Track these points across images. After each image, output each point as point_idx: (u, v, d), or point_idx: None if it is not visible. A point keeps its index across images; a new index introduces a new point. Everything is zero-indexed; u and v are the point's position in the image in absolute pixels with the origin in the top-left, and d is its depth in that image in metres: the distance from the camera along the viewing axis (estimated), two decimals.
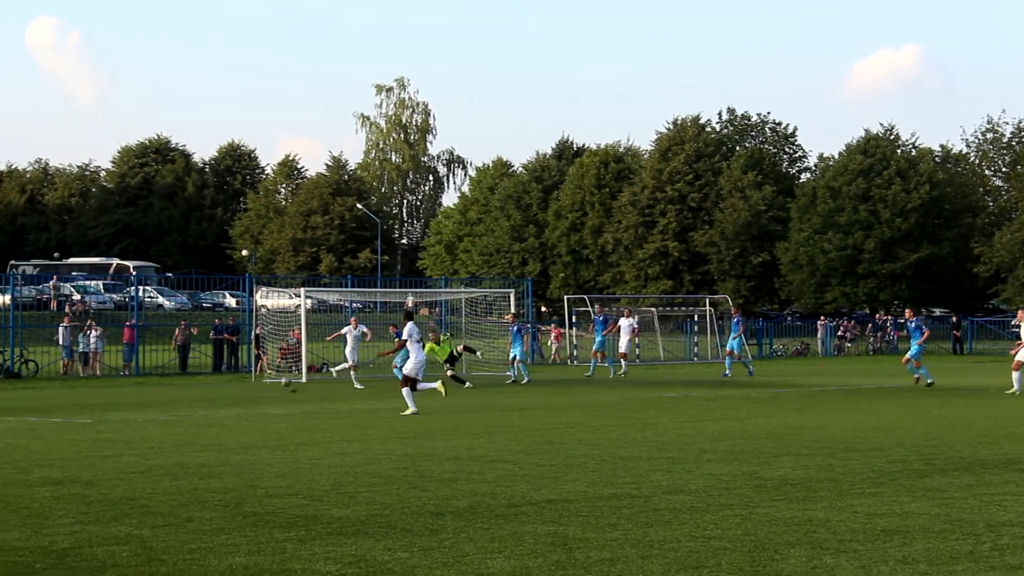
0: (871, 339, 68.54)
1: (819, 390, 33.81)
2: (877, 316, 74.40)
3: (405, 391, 25.19)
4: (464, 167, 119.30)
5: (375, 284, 72.66)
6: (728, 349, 42.66)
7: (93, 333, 45.29)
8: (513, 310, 43.70)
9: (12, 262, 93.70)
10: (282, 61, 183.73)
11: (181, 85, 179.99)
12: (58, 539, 11.00)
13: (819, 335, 66.85)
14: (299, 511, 12.45)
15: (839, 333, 67.25)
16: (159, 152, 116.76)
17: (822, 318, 69.17)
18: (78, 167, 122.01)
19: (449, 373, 35.17)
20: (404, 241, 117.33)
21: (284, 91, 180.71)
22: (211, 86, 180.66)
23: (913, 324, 35.29)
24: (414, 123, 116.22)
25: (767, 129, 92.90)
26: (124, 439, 20.44)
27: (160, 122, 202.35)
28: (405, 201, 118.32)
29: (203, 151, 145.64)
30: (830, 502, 12.73)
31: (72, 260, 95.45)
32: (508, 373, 40.32)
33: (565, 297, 60.91)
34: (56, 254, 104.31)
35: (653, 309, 64.11)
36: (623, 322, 43.65)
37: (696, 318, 62.23)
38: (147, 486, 14.33)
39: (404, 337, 26.11)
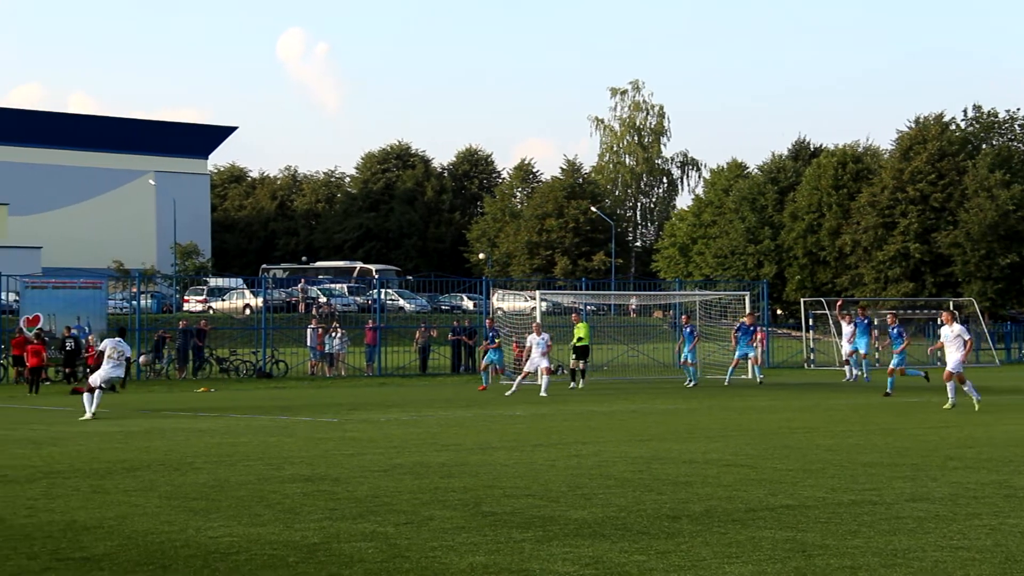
0: None
1: None
2: None
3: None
4: (698, 169, 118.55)
5: (609, 287, 72.86)
6: (853, 350, 41.25)
7: (338, 335, 46.77)
8: (748, 312, 43.30)
9: (264, 266, 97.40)
10: (518, 66, 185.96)
11: (421, 92, 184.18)
12: (308, 534, 11.44)
13: None
14: (536, 512, 12.63)
15: None
16: (400, 158, 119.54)
17: None
18: (324, 173, 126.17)
19: (572, 366, 39.27)
20: (638, 244, 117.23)
21: (520, 96, 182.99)
22: (450, 92, 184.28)
23: (895, 331, 33.75)
24: (648, 125, 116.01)
25: (1016, 126, 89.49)
26: (368, 438, 21.06)
27: (402, 128, 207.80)
28: (639, 204, 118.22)
29: (442, 156, 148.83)
30: None
31: (318, 264, 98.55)
32: (757, 376, 40.69)
33: (801, 300, 59.93)
34: (304, 258, 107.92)
35: (893, 312, 62.42)
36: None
37: (939, 321, 60.24)
38: (390, 484, 14.75)
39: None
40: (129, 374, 28.60)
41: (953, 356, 26.76)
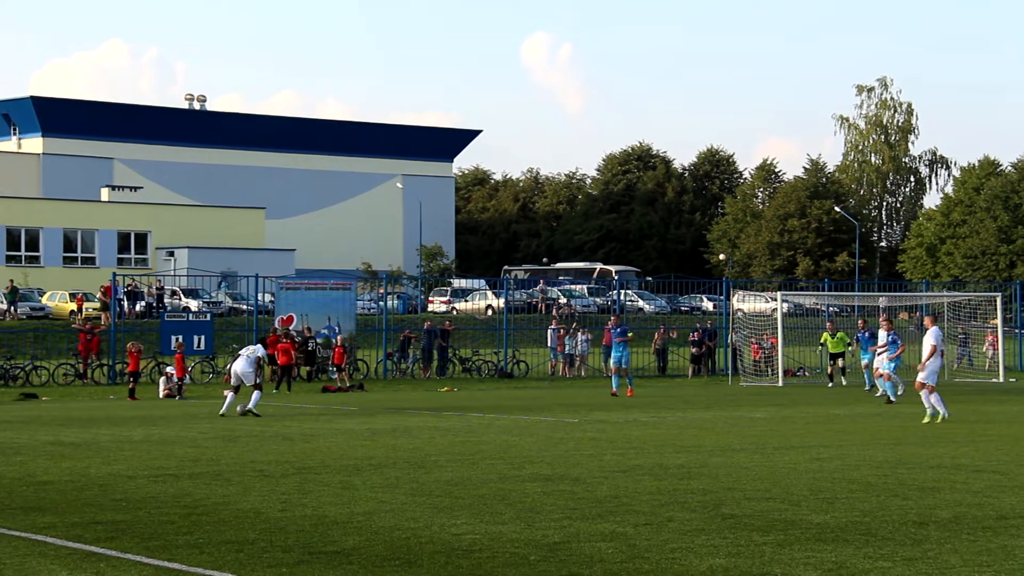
0: None
1: None
2: None
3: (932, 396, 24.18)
4: (947, 167, 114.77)
5: (852, 288, 71.26)
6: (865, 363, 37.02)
7: (581, 336, 47.13)
8: (1000, 314, 41.74)
9: (505, 267, 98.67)
10: (760, 65, 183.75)
11: (663, 93, 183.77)
12: (549, 533, 11.60)
13: None
14: (777, 515, 12.51)
15: None
16: (641, 159, 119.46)
17: None
18: (566, 175, 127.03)
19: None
20: (883, 244, 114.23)
21: (763, 94, 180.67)
22: (692, 92, 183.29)
23: (890, 338, 30.54)
24: (895, 123, 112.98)
25: None
26: (607, 438, 21.18)
27: (643, 130, 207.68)
28: (884, 203, 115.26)
29: (683, 157, 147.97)
30: None
31: (559, 265, 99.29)
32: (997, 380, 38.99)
33: None
34: (544, 259, 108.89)
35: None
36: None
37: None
38: (629, 485, 14.82)
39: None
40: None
41: (928, 364, 24.07)
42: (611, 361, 35.98)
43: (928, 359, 24.10)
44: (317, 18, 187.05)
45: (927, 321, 25.49)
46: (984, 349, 46.66)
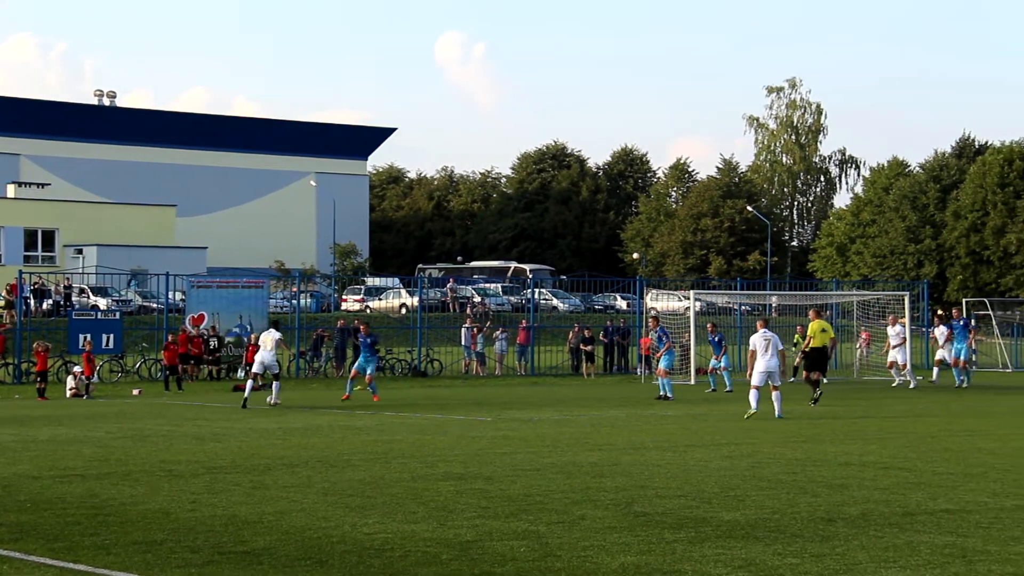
0: None
1: None
2: None
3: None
4: (857, 167, 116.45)
5: (764, 286, 72.03)
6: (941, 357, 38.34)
7: (499, 335, 47.24)
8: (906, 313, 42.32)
9: (420, 266, 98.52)
10: (673, 65, 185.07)
11: (578, 92, 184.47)
12: (461, 531, 11.58)
13: None
14: (688, 512, 12.59)
15: None
16: (555, 158, 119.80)
17: None
18: (480, 174, 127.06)
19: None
20: (794, 243, 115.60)
21: (676, 94, 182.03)
22: (606, 92, 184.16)
23: (961, 323, 32.37)
24: (805, 123, 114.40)
25: None
26: (520, 437, 21.19)
27: (557, 129, 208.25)
28: (795, 203, 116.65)
29: (597, 156, 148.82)
30: None
31: (473, 263, 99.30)
32: (902, 378, 39.21)
33: (963, 301, 58.49)
34: (459, 257, 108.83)
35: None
36: (889, 330, 39.79)
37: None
38: (542, 483, 14.84)
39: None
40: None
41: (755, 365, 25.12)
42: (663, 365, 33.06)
43: (751, 359, 25.42)
44: (229, 14, 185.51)
45: (759, 323, 26.05)
46: (857, 346, 47.07)
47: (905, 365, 38.90)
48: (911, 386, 37.79)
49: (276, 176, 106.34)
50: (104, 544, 11.05)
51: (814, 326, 29.43)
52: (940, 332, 39.46)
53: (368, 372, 31.19)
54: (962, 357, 37.71)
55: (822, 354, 29.33)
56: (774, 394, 25.29)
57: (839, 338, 50.81)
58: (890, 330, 39.70)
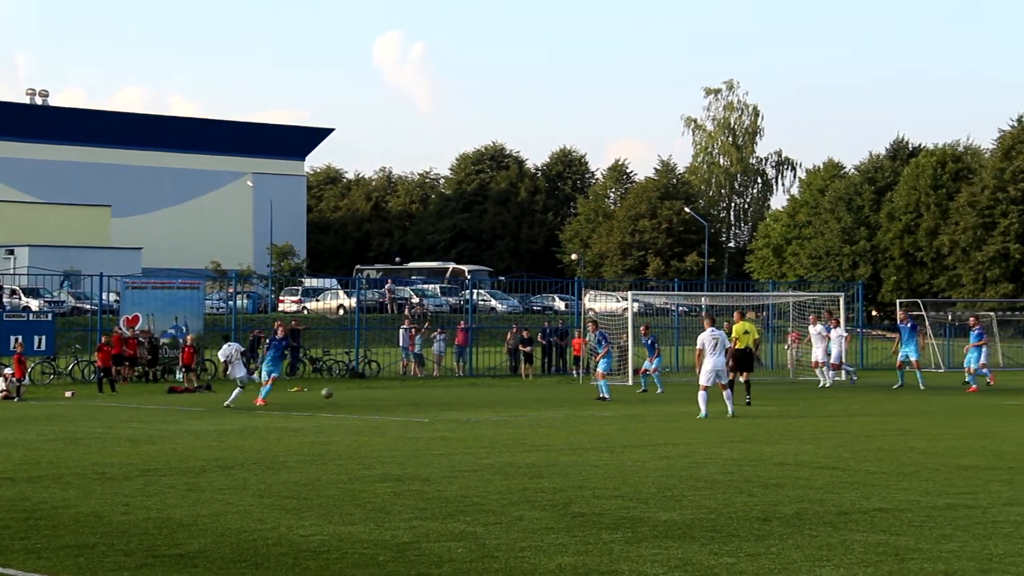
0: None
1: None
2: None
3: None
4: (793, 169, 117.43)
5: (702, 287, 72.43)
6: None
7: (437, 336, 47.17)
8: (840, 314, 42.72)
9: (357, 267, 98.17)
10: (612, 66, 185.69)
11: (516, 93, 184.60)
12: (399, 533, 11.54)
13: None
14: (626, 513, 12.62)
15: None
16: (494, 159, 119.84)
17: None
18: (419, 175, 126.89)
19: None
20: (731, 244, 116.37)
21: (614, 95, 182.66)
22: (544, 93, 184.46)
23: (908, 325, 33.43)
24: (742, 125, 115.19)
25: None
26: (458, 438, 21.16)
27: (496, 130, 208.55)
28: (733, 204, 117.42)
29: (536, 157, 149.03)
30: None
31: (412, 264, 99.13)
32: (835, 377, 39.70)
33: (897, 301, 59.14)
34: (397, 258, 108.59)
35: (992, 313, 61.46)
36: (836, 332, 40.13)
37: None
38: (480, 484, 14.82)
39: None
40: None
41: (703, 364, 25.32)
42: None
43: (699, 359, 25.42)
44: (164, 12, 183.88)
45: (705, 322, 26.26)
46: (787, 347, 47.41)
47: (828, 364, 39.32)
48: (825, 385, 38.35)
49: (212, 176, 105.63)
50: (35, 548, 10.91)
51: (737, 328, 29.91)
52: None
53: (268, 374, 30.28)
54: (912, 358, 37.69)
55: (746, 355, 29.72)
56: (725, 393, 25.51)
57: (774, 339, 51.32)
58: (811, 329, 40.19)
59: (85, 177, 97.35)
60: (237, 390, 29.61)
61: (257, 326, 48.81)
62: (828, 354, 39.39)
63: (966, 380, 37.51)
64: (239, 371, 30.52)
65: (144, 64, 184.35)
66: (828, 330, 39.61)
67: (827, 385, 38.43)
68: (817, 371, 39.81)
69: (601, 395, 32.23)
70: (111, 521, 12.28)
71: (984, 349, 37.89)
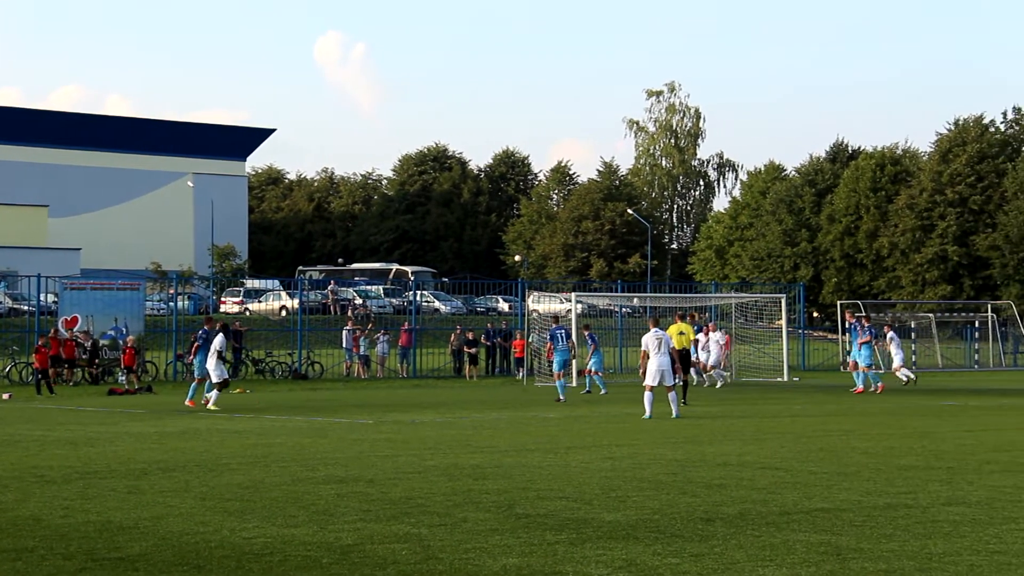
0: None
1: None
2: None
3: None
4: (735, 171, 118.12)
5: (645, 289, 72.72)
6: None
7: (381, 337, 47.07)
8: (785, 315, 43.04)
9: (300, 268, 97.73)
10: (554, 68, 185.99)
11: (458, 94, 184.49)
12: (342, 535, 11.48)
13: None
14: (570, 514, 12.63)
15: None
16: (437, 160, 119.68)
17: None
18: (361, 176, 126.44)
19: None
20: (674, 246, 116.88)
21: (556, 98, 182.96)
22: (487, 94, 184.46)
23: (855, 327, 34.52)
24: (684, 127, 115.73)
25: None
26: (402, 439, 21.11)
27: (438, 131, 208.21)
28: (675, 206, 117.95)
29: (479, 158, 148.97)
30: None
31: (355, 265, 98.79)
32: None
33: (838, 303, 59.67)
34: (340, 260, 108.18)
35: (931, 315, 62.19)
36: (715, 336, 40.84)
37: (977, 324, 60.06)
38: (424, 486, 14.78)
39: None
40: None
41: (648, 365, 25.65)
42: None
43: (643, 360, 25.67)
44: (103, 9, 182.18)
45: (649, 323, 26.66)
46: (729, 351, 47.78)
47: (707, 366, 40.49)
48: (709, 384, 39.72)
49: (152, 176, 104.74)
50: None
51: (672, 329, 30.26)
52: (891, 338, 39.77)
53: (199, 374, 30.19)
54: (861, 362, 37.25)
55: (683, 356, 30.21)
56: (670, 395, 25.71)
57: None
58: (712, 335, 40.69)
59: (22, 177, 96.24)
60: (215, 392, 28.97)
61: (198, 328, 48.42)
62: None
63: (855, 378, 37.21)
64: (218, 371, 29.27)
65: (82, 62, 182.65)
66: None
67: (717, 385, 39.84)
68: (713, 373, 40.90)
69: (560, 397, 32.37)
70: (50, 525, 12.13)
71: (873, 348, 37.74)
